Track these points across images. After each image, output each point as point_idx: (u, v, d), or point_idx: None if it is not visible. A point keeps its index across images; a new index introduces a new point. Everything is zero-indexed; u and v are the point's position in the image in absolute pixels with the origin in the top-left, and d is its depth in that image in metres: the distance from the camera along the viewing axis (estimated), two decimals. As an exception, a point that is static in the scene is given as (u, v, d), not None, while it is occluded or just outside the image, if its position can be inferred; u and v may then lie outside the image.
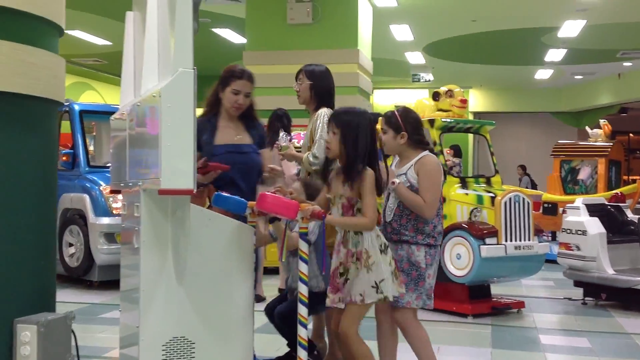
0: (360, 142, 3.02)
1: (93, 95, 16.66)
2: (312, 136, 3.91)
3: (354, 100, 8.17)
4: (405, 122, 3.36)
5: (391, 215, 3.37)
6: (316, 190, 3.36)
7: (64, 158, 7.07)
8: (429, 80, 15.82)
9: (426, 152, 3.37)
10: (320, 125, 3.81)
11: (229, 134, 3.71)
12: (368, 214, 2.98)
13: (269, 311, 3.78)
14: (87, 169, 7.20)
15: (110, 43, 13.30)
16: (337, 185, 3.08)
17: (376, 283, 2.98)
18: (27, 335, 2.42)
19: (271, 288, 3.61)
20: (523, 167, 15.10)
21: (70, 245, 7.10)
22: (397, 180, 3.32)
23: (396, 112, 3.39)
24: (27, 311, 2.49)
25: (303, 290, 2.87)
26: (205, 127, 3.68)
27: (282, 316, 3.60)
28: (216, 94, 3.71)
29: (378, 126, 3.47)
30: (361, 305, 3.01)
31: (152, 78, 2.84)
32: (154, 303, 2.71)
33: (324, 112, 3.86)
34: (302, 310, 2.88)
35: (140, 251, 2.70)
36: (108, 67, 15.71)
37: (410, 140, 3.35)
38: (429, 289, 3.34)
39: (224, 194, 3.38)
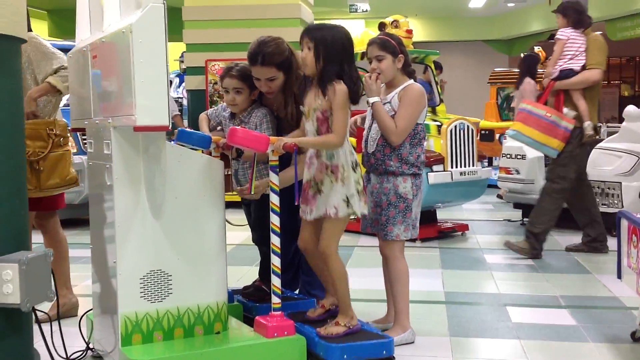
0: (335, 55, 2.97)
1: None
2: None
3: (296, 32, 8.12)
4: (399, 43, 3.37)
5: (374, 145, 3.38)
6: None
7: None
8: (366, 11, 15.76)
9: (412, 81, 3.39)
10: None
11: None
12: (337, 130, 2.95)
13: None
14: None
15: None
16: (311, 98, 3.05)
17: (347, 197, 3.00)
18: (8, 274, 2.43)
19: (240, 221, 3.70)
20: None
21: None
22: (376, 99, 3.32)
23: (388, 37, 3.39)
24: (5, 250, 2.49)
25: (275, 220, 2.96)
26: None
27: None
28: None
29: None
30: (335, 219, 3.01)
31: (113, 13, 2.80)
32: (130, 238, 2.76)
33: None
34: (275, 240, 2.97)
35: (113, 188, 2.73)
36: (35, 1, 15.00)
37: (405, 62, 3.36)
38: (415, 219, 3.41)
39: (188, 129, 3.40)
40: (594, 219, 5.68)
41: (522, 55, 8.68)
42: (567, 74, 5.34)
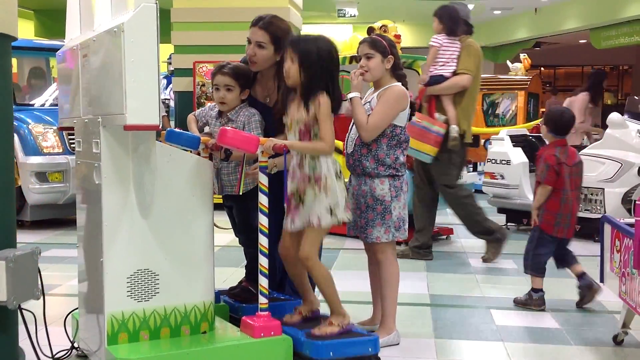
0: (319, 68, 2.99)
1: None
2: None
3: (285, 35, 8.14)
4: (391, 45, 3.41)
5: (352, 145, 3.41)
6: None
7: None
8: (354, 16, 15.84)
9: (398, 83, 3.41)
10: None
11: None
12: (326, 139, 2.97)
13: None
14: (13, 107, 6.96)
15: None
16: (294, 110, 3.06)
17: (331, 207, 3.00)
18: (-5, 271, 2.43)
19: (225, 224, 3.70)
20: None
21: None
22: (355, 95, 3.34)
23: (379, 37, 3.44)
24: (-8, 248, 2.49)
25: (263, 221, 2.97)
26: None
27: None
28: None
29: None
30: (318, 228, 3.02)
31: (105, 12, 2.81)
32: (117, 237, 2.76)
33: None
34: (263, 240, 2.98)
35: (101, 187, 2.73)
36: (22, 0, 14.91)
37: (395, 64, 3.40)
38: (397, 221, 3.38)
39: (177, 129, 3.41)
40: (427, 226, 5.71)
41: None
42: (437, 79, 5.39)
